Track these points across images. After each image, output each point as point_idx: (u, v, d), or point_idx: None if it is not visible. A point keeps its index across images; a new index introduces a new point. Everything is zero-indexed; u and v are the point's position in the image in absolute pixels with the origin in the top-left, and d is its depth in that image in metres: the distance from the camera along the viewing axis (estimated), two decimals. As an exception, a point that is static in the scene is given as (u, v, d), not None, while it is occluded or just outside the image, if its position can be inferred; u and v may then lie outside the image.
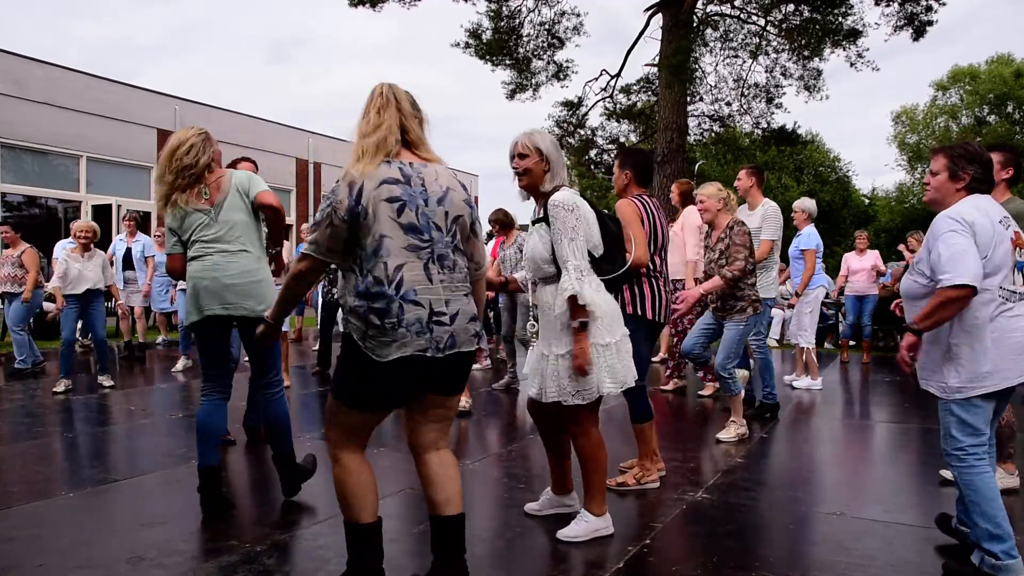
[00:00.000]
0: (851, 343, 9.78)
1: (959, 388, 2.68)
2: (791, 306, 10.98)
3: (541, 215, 3.08)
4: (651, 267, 3.78)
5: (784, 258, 7.58)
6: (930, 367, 2.79)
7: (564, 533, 3.10)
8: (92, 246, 7.02)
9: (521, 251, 5.70)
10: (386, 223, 2.29)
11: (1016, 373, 2.66)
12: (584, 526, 3.11)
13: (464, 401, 6.02)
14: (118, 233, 9.93)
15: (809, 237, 6.95)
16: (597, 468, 3.14)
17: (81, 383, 7.12)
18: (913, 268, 2.85)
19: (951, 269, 2.57)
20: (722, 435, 4.98)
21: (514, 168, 3.11)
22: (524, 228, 10.27)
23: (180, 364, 8.25)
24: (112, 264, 9.54)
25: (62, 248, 9.85)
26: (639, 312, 3.73)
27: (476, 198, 28.24)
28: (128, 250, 9.71)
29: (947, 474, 3.84)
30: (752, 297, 4.92)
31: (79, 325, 7.68)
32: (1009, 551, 2.59)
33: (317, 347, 10.14)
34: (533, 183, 3.10)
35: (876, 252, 9.29)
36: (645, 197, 3.85)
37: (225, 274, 3.37)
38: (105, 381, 6.98)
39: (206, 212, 3.41)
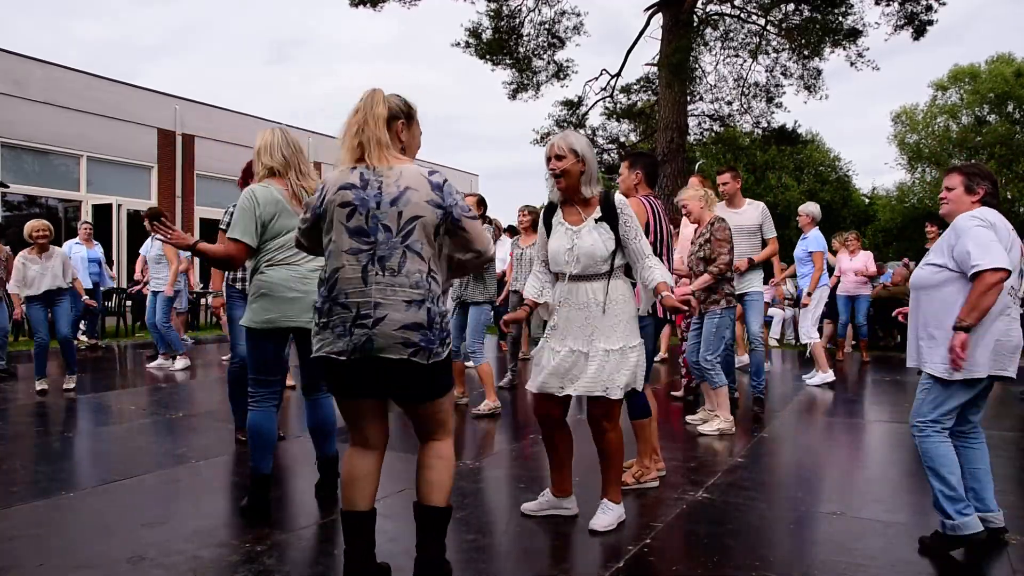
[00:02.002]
0: (852, 343, 9.81)
1: (949, 369, 2.91)
2: (793, 305, 11.03)
3: (599, 215, 3.17)
4: None
5: (784, 259, 7.67)
6: (934, 348, 2.97)
7: (598, 524, 3.19)
8: (50, 246, 6.82)
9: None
10: (337, 227, 2.37)
11: (1012, 368, 3.00)
12: (612, 515, 3.25)
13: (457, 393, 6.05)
14: (147, 236, 9.92)
15: (818, 240, 7.27)
16: (620, 460, 3.30)
17: (81, 384, 7.11)
18: (924, 261, 3.10)
19: (984, 256, 2.82)
20: (704, 428, 5.06)
21: (551, 170, 3.15)
22: (509, 231, 10.23)
23: (159, 363, 8.27)
24: (145, 265, 9.53)
25: (68, 248, 9.88)
26: (649, 309, 3.74)
27: (476, 198, 28.30)
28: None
29: None
30: (725, 291, 5.06)
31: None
32: (962, 511, 2.92)
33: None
34: (571, 184, 3.17)
35: (868, 253, 9.33)
36: (652, 198, 3.92)
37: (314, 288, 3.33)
38: (69, 383, 6.81)
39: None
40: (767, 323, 11.18)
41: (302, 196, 3.33)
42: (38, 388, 6.66)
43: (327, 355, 2.36)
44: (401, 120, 2.49)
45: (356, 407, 2.47)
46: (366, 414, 2.48)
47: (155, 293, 8.11)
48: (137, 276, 10.52)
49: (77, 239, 10.14)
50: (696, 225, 5.37)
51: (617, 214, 3.18)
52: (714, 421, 5.11)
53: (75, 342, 7.37)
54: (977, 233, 2.88)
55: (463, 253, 2.49)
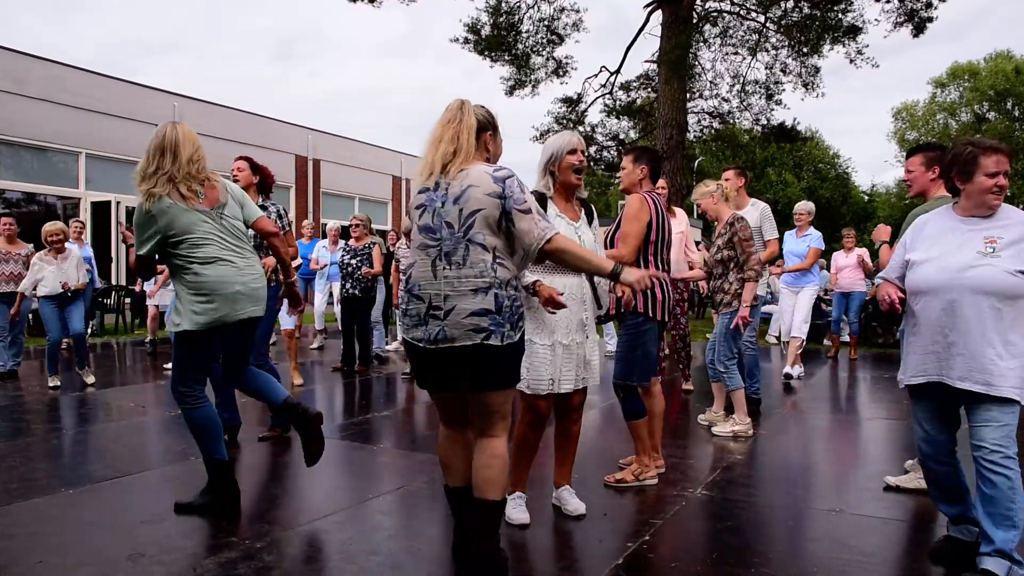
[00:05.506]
0: (842, 340, 9.83)
1: None
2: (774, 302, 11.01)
3: (585, 214, 3.39)
4: (659, 267, 3.81)
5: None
6: (1003, 369, 2.59)
7: (581, 508, 3.36)
8: (65, 247, 7.02)
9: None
10: (414, 228, 2.63)
11: None
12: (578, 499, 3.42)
13: None
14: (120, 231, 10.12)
15: (820, 238, 7.50)
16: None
17: (79, 380, 7.11)
18: (1015, 267, 2.61)
19: None
20: (717, 429, 5.01)
21: (582, 163, 3.28)
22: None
23: None
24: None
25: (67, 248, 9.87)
26: (650, 313, 3.72)
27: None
28: None
29: (890, 479, 3.85)
30: (735, 290, 4.96)
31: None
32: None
33: (316, 344, 10.17)
34: (582, 181, 3.33)
35: (863, 250, 9.37)
36: (654, 194, 3.86)
37: (251, 277, 3.41)
38: (87, 377, 7.02)
39: (205, 213, 3.32)
40: (766, 320, 11.17)
41: (195, 187, 3.31)
42: (51, 384, 6.80)
43: (409, 339, 2.61)
44: (489, 132, 2.70)
45: (440, 398, 2.74)
46: (451, 403, 2.73)
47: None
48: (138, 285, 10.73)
49: (70, 240, 10.15)
50: (712, 220, 5.35)
51: (592, 217, 3.43)
52: (727, 423, 5.03)
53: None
54: None
55: (520, 248, 2.58)
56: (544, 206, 3.28)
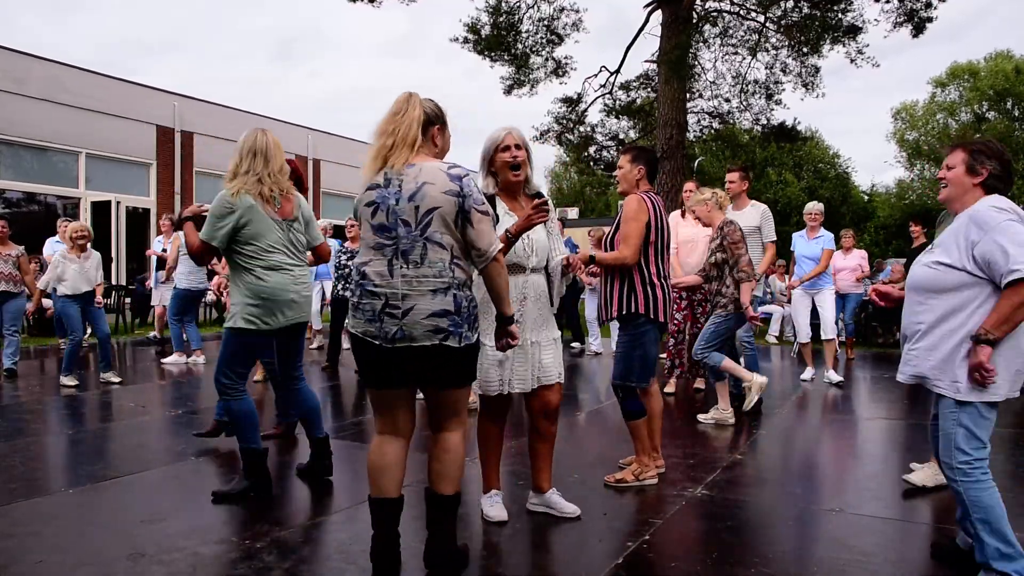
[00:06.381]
0: (841, 340, 9.83)
1: (978, 392, 2.46)
2: (790, 302, 11.00)
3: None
4: (660, 269, 3.80)
5: (783, 255, 7.71)
6: (940, 364, 2.53)
7: (574, 512, 3.31)
8: (88, 246, 7.07)
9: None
10: (364, 224, 2.56)
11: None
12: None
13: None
14: (156, 234, 10.39)
15: (832, 239, 7.39)
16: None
17: (81, 380, 7.11)
18: (931, 259, 2.60)
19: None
20: (701, 416, 5.32)
21: (515, 159, 3.15)
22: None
23: (185, 359, 8.28)
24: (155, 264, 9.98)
25: (51, 246, 9.91)
26: (652, 315, 3.72)
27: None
28: (164, 250, 9.76)
29: (915, 479, 3.81)
30: (731, 296, 5.12)
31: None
32: (1021, 570, 2.42)
33: (315, 344, 10.17)
34: (525, 176, 3.22)
35: (863, 252, 9.35)
36: (653, 195, 3.85)
37: (303, 286, 3.65)
38: (112, 377, 7.07)
39: (277, 223, 3.56)
40: (765, 320, 11.16)
41: (276, 194, 3.54)
42: (67, 383, 6.80)
43: (360, 335, 2.53)
44: (437, 126, 2.64)
45: (387, 396, 2.61)
46: (396, 403, 2.62)
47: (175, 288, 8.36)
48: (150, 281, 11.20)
49: (57, 237, 10.17)
50: (706, 227, 5.46)
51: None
52: (711, 411, 5.34)
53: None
54: (1012, 230, 2.38)
55: (471, 250, 2.55)
56: (493, 204, 3.21)
